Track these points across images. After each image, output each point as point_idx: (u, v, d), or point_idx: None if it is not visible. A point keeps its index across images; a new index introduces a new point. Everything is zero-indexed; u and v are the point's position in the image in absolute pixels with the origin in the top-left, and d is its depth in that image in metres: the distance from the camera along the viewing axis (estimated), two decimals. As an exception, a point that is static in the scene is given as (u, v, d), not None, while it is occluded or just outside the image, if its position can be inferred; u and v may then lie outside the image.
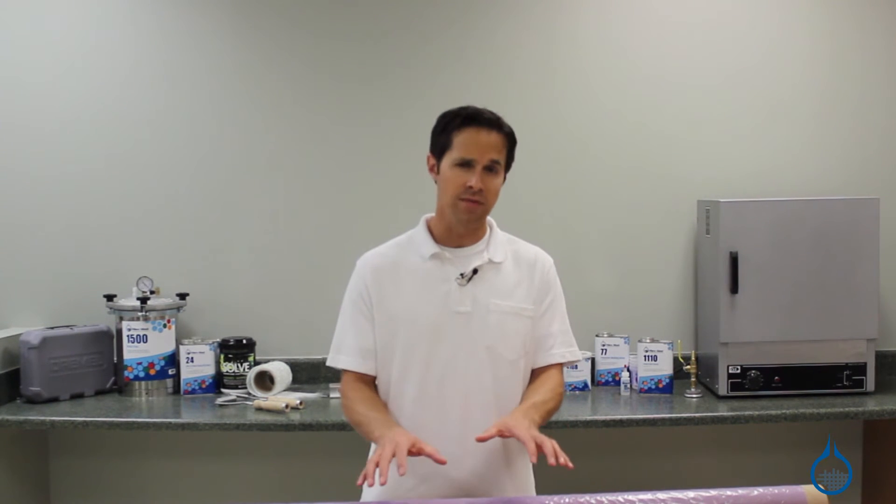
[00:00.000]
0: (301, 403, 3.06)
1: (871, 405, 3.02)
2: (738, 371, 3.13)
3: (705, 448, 3.48)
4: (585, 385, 3.31)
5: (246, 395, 3.24)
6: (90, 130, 3.43)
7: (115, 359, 3.35)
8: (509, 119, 2.07)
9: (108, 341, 3.36)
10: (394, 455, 1.76)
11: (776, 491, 1.75)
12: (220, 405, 3.15)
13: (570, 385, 3.28)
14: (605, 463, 3.44)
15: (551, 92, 3.47)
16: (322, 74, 3.44)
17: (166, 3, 3.42)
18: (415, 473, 1.97)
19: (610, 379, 3.38)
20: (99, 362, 3.33)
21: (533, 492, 2.14)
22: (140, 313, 3.25)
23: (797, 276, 3.09)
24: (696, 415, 2.95)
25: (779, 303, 3.10)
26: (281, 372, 3.28)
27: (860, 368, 3.13)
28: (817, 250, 3.09)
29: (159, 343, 3.29)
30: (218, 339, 3.38)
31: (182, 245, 3.46)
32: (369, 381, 2.09)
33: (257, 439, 3.40)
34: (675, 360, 3.27)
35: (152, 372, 3.28)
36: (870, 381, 3.13)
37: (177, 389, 3.34)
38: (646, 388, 3.25)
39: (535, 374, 2.11)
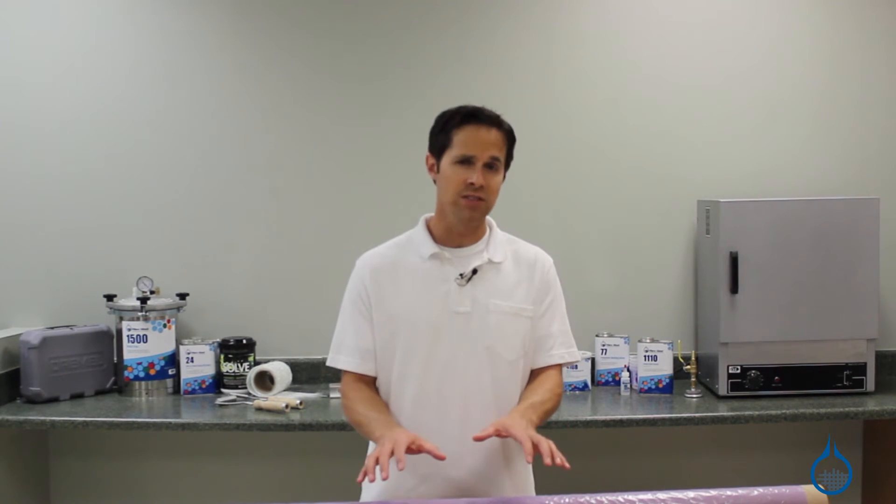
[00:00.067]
0: (301, 403, 3.06)
1: (871, 405, 3.02)
2: (738, 371, 3.13)
3: (705, 448, 3.48)
4: (585, 385, 3.31)
5: (246, 395, 3.24)
6: (90, 130, 3.43)
7: (115, 359, 3.35)
8: (509, 119, 2.07)
9: (108, 341, 3.36)
10: (393, 452, 1.76)
11: (776, 491, 1.75)
12: (220, 405, 3.15)
13: (570, 385, 3.28)
14: (605, 463, 3.44)
15: (551, 92, 3.47)
16: (322, 74, 3.44)
17: (166, 3, 3.42)
18: (414, 473, 1.97)
19: (610, 379, 3.38)
20: (99, 362, 3.33)
21: (532, 491, 2.14)
22: (140, 313, 3.25)
23: (797, 276, 3.09)
24: (696, 415, 2.95)
25: (779, 303, 3.10)
26: (281, 372, 3.28)
27: (860, 368, 3.13)
28: (817, 250, 3.09)
29: (159, 343, 3.29)
30: (218, 339, 3.38)
31: (182, 245, 3.46)
32: (369, 382, 2.09)
33: (257, 439, 3.40)
34: (675, 360, 3.27)
35: (152, 372, 3.28)
36: (870, 381, 3.13)
37: (177, 389, 3.34)
38: (646, 388, 3.25)
39: (534, 374, 2.11)
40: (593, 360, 3.39)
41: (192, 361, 3.31)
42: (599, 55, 3.46)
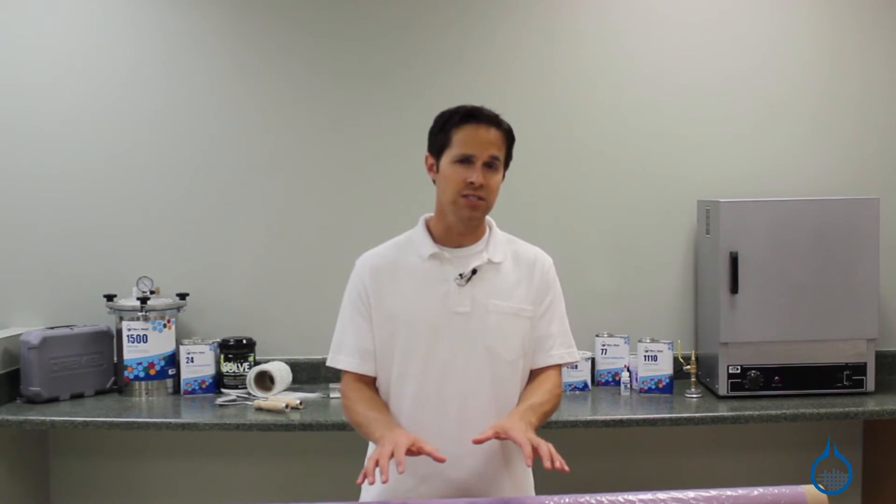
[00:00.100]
0: (301, 403, 3.06)
1: (871, 405, 3.02)
2: (738, 371, 3.13)
3: (705, 448, 3.48)
4: (585, 385, 3.31)
5: (246, 395, 3.24)
6: (90, 130, 3.43)
7: (115, 359, 3.35)
8: (509, 119, 2.07)
9: (108, 341, 3.36)
10: (393, 454, 1.76)
11: (776, 491, 1.75)
12: (220, 405, 3.15)
13: (570, 385, 3.28)
14: (605, 463, 3.44)
15: (551, 92, 3.47)
16: (322, 74, 3.44)
17: (166, 3, 3.42)
18: (414, 473, 1.97)
19: (610, 379, 3.38)
20: (99, 362, 3.33)
21: (532, 492, 2.14)
22: (140, 313, 3.25)
23: (797, 276, 3.09)
24: (696, 415, 2.95)
25: (779, 303, 3.10)
26: (281, 372, 3.28)
27: (860, 368, 3.13)
28: (817, 250, 3.09)
29: (159, 343, 3.29)
30: (218, 339, 3.38)
31: (182, 245, 3.46)
32: (369, 382, 2.09)
33: (257, 439, 3.40)
34: (675, 360, 3.27)
35: (152, 372, 3.28)
36: (870, 381, 3.13)
37: (177, 389, 3.34)
38: (646, 388, 3.25)
39: (534, 374, 2.10)
40: (593, 360, 3.39)
41: (192, 361, 3.31)
42: (599, 55, 3.46)
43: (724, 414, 2.95)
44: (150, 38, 3.43)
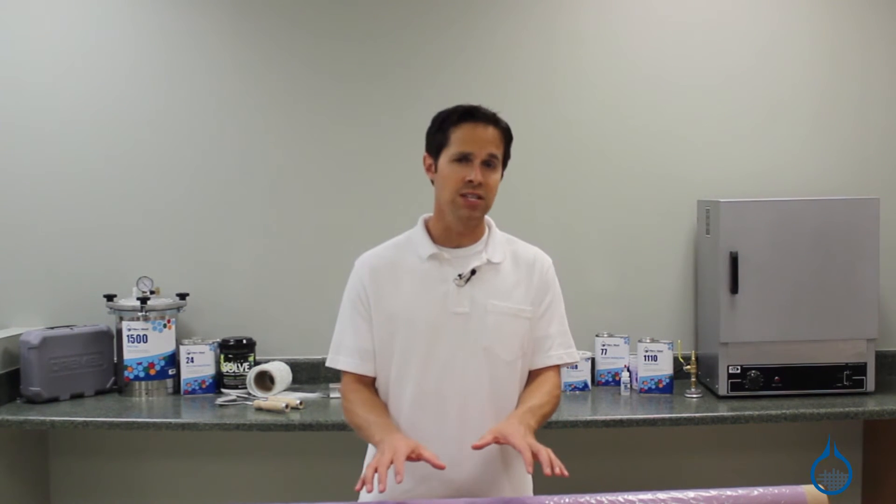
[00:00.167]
0: (301, 403, 3.06)
1: (871, 405, 3.02)
2: (738, 371, 3.13)
3: (705, 448, 3.48)
4: (585, 385, 3.31)
5: (246, 395, 3.24)
6: (90, 130, 3.43)
7: (115, 359, 3.35)
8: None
9: (108, 341, 3.36)
10: (392, 462, 1.76)
11: (776, 491, 1.75)
12: (220, 405, 3.15)
13: (570, 385, 3.28)
14: (605, 463, 3.44)
15: (551, 92, 3.47)
16: (322, 74, 3.44)
17: (166, 3, 3.42)
18: (413, 475, 1.97)
19: (610, 379, 3.38)
20: (99, 362, 3.33)
21: (530, 494, 2.13)
22: (140, 313, 3.25)
23: (797, 276, 3.09)
24: (696, 415, 2.95)
25: (779, 303, 3.10)
26: (281, 372, 3.28)
27: (860, 368, 3.13)
28: (817, 250, 3.09)
29: (159, 343, 3.29)
30: (218, 339, 3.38)
31: (182, 245, 3.47)
32: (369, 382, 2.09)
33: (257, 439, 3.40)
34: (675, 360, 3.27)
35: (152, 372, 3.28)
36: (870, 381, 3.13)
37: (177, 389, 3.34)
38: (646, 388, 3.25)
39: (533, 375, 2.10)
40: (593, 360, 3.39)
41: (192, 361, 3.31)
42: (599, 55, 3.46)
43: (724, 414, 2.95)
44: (150, 38, 3.43)
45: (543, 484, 2.14)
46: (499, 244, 2.10)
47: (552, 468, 1.74)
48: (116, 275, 3.39)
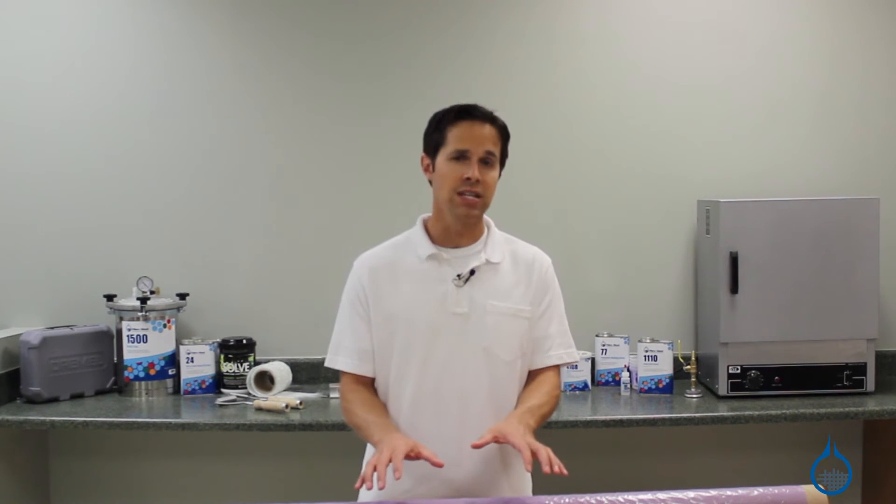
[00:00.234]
0: (301, 403, 3.06)
1: (871, 405, 3.02)
2: (738, 371, 3.13)
3: (705, 448, 3.48)
4: (585, 385, 3.31)
5: (246, 395, 3.24)
6: (90, 130, 3.43)
7: (115, 359, 3.35)
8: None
9: (108, 341, 3.36)
10: (391, 460, 1.76)
11: (776, 491, 1.75)
12: (220, 405, 3.15)
13: (570, 385, 3.28)
14: (605, 463, 3.44)
15: (551, 92, 3.46)
16: (322, 74, 3.44)
17: (166, 3, 3.42)
18: (412, 475, 1.97)
19: (610, 379, 3.38)
20: (99, 362, 3.33)
21: (530, 493, 2.13)
22: (140, 313, 3.25)
23: (797, 276, 3.09)
24: (696, 415, 2.95)
25: (779, 303, 3.10)
26: (281, 372, 3.28)
27: (860, 368, 3.13)
28: (817, 250, 3.09)
29: (159, 343, 3.29)
30: (218, 339, 3.38)
31: (182, 245, 3.47)
32: (368, 383, 2.09)
33: (257, 439, 3.40)
34: (675, 360, 3.27)
35: (152, 372, 3.28)
36: (870, 381, 3.13)
37: (177, 389, 3.34)
38: (646, 388, 3.25)
39: (532, 375, 2.10)
40: (593, 360, 3.39)
41: (192, 361, 3.30)
42: (599, 55, 3.46)
43: (724, 414, 2.95)
44: (150, 38, 3.43)
45: (543, 483, 2.14)
46: (498, 244, 2.10)
47: (551, 467, 1.73)
48: (116, 275, 3.39)
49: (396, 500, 1.95)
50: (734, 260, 3.08)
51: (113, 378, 3.36)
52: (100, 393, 3.32)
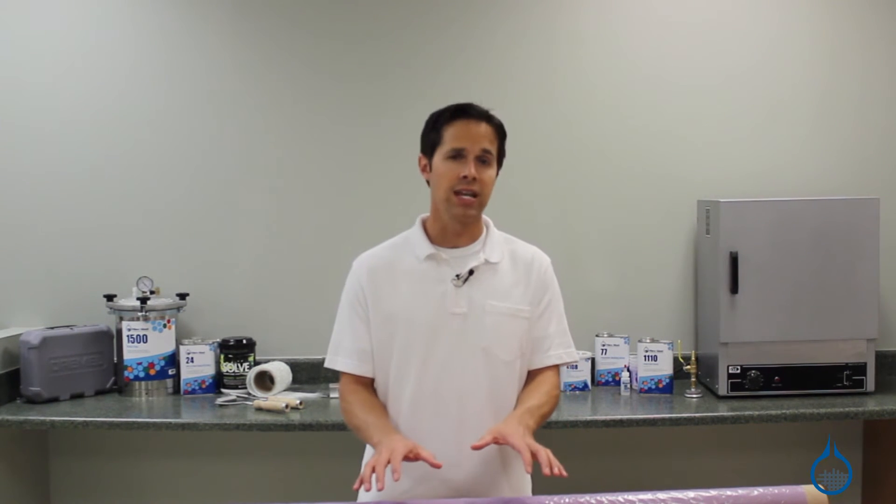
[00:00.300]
0: (301, 403, 3.06)
1: (871, 405, 3.02)
2: (738, 371, 3.13)
3: (705, 448, 3.48)
4: (585, 385, 3.31)
5: (246, 395, 3.24)
6: (90, 130, 3.43)
7: (115, 359, 3.35)
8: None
9: (108, 341, 3.36)
10: (389, 461, 1.76)
11: (776, 491, 1.75)
12: (220, 405, 3.15)
13: (569, 385, 3.28)
14: (605, 463, 3.44)
15: (551, 92, 3.46)
16: (322, 74, 3.44)
17: (166, 3, 3.42)
18: (411, 475, 1.97)
19: (610, 379, 3.38)
20: (99, 362, 3.33)
21: (529, 494, 2.13)
22: (140, 313, 3.25)
23: (797, 276, 3.09)
24: (696, 415, 2.95)
25: (779, 303, 3.10)
26: (281, 372, 3.28)
27: (860, 368, 3.13)
28: (817, 250, 3.09)
29: (159, 343, 3.29)
30: (218, 339, 3.38)
31: (182, 245, 3.47)
32: (367, 383, 2.09)
33: (257, 439, 3.40)
34: (675, 360, 3.27)
35: (152, 372, 3.28)
36: (870, 381, 3.13)
37: (177, 389, 3.34)
38: (646, 388, 3.25)
39: (532, 375, 2.10)
40: (593, 360, 3.39)
41: (192, 361, 3.30)
42: (599, 55, 3.46)
43: (724, 414, 2.95)
44: (150, 38, 3.43)
45: (542, 484, 2.14)
46: (497, 244, 2.10)
47: (551, 468, 1.74)
48: (116, 275, 3.39)
49: (395, 500, 1.95)
50: (734, 260, 3.08)
51: (113, 378, 3.36)
52: (100, 393, 3.32)
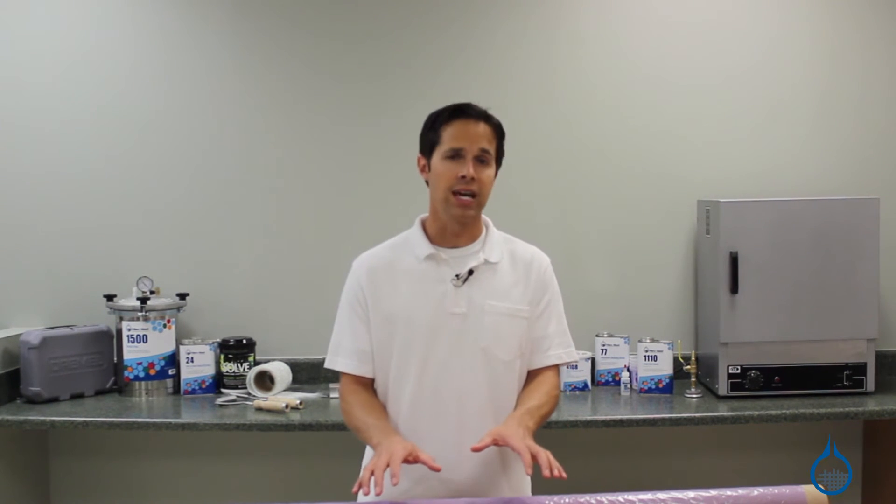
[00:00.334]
0: (301, 403, 3.06)
1: (871, 405, 3.02)
2: (738, 371, 3.13)
3: (705, 448, 3.48)
4: (585, 385, 3.31)
5: (246, 395, 3.24)
6: (90, 130, 3.44)
7: (115, 359, 3.35)
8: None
9: (108, 341, 3.36)
10: (388, 465, 1.76)
11: (776, 491, 1.75)
12: (220, 405, 3.15)
13: (569, 385, 3.28)
14: (605, 463, 3.44)
15: (551, 92, 3.46)
16: (322, 74, 3.44)
17: (166, 3, 3.42)
18: (411, 476, 1.97)
19: (610, 379, 3.38)
20: (99, 362, 3.33)
21: (529, 494, 2.13)
22: (140, 313, 3.25)
23: (797, 276, 3.09)
24: (696, 415, 2.95)
25: (779, 303, 3.10)
26: (281, 372, 3.28)
27: (860, 368, 3.13)
28: (817, 250, 3.09)
29: (159, 343, 3.29)
30: (218, 339, 3.38)
31: (182, 245, 3.47)
32: (367, 384, 2.09)
33: (257, 439, 3.40)
34: (675, 360, 3.27)
35: (152, 372, 3.28)
36: (870, 381, 3.13)
37: (177, 389, 3.34)
38: (646, 388, 3.25)
39: (532, 375, 2.10)
40: (593, 360, 3.39)
41: (192, 361, 3.31)
42: (599, 55, 3.46)
43: (724, 414, 2.95)
44: (150, 38, 3.43)
45: (542, 485, 2.14)
46: (496, 244, 2.09)
47: (551, 470, 1.73)
48: (116, 275, 3.40)
49: (395, 500, 1.95)
50: (734, 260, 3.08)
51: (113, 378, 3.36)
52: (100, 393, 3.32)
